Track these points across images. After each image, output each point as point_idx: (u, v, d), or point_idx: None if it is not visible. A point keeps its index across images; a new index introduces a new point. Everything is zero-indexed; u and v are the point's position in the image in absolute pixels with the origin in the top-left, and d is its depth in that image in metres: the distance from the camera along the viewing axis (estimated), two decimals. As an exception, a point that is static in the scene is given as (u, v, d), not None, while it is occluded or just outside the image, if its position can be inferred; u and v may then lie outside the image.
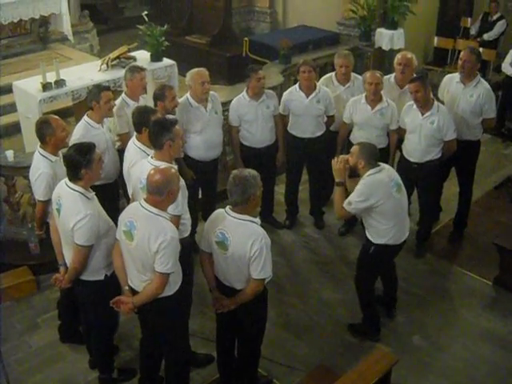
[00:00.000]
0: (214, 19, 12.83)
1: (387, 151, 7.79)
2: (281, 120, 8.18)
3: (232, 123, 7.99)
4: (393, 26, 11.54)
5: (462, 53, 7.77)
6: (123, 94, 7.49)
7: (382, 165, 6.27)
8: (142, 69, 7.54)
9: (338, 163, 6.29)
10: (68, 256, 5.61)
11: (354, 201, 6.17)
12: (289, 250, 8.31)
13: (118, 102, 7.38)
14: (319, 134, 8.15)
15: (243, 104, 7.89)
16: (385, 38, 11.61)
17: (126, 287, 5.31)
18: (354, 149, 6.28)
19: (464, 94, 7.74)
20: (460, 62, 7.71)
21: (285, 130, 8.31)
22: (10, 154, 7.61)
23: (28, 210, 7.91)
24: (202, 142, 7.56)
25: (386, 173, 6.21)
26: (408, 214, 6.53)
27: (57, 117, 6.31)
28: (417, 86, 7.21)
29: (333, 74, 8.46)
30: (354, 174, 6.30)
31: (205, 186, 8.00)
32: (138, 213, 5.08)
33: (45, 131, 6.11)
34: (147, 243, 4.94)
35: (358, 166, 6.18)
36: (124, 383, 6.25)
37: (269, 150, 8.11)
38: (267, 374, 6.29)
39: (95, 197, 5.52)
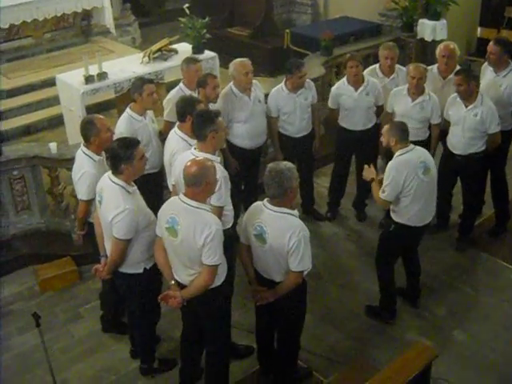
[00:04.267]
0: (256, 11, 12.88)
1: (427, 144, 7.68)
2: (317, 109, 8.23)
3: (271, 114, 7.97)
4: (435, 16, 11.41)
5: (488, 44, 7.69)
6: (181, 84, 7.54)
7: (414, 146, 6.33)
8: (197, 60, 7.66)
9: (366, 171, 6.61)
10: (109, 248, 5.66)
11: (386, 187, 6.29)
12: (330, 242, 8.29)
13: (174, 90, 7.50)
14: (370, 125, 8.13)
15: (282, 96, 7.88)
16: (427, 28, 11.48)
17: (173, 281, 5.32)
18: (384, 129, 6.42)
19: (494, 83, 7.65)
20: (487, 54, 7.63)
21: (335, 124, 8.32)
22: (53, 146, 7.70)
23: (71, 201, 8.02)
24: (247, 130, 7.60)
25: (416, 153, 6.28)
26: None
27: (101, 116, 6.28)
28: (460, 79, 7.15)
29: (377, 65, 8.41)
30: (391, 154, 6.43)
31: (247, 177, 8.02)
32: (178, 208, 5.08)
33: (90, 132, 6.03)
34: (193, 237, 4.95)
35: (391, 144, 6.31)
36: (164, 373, 6.30)
37: (305, 139, 8.11)
38: (307, 365, 6.29)
39: (137, 191, 5.56)
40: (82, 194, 6.12)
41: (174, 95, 7.37)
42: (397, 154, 6.28)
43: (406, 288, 7.11)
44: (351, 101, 7.98)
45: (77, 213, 6.50)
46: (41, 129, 10.54)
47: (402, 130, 6.28)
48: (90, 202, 6.10)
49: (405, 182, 6.21)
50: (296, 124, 7.94)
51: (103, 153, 6.11)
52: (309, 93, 7.96)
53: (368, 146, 8.14)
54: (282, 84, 7.90)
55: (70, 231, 7.80)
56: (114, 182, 5.41)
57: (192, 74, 7.41)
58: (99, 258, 5.88)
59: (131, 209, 5.33)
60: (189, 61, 7.58)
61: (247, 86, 7.51)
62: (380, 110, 8.19)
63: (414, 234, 6.60)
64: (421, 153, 6.33)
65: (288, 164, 5.20)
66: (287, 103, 7.85)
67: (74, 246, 7.70)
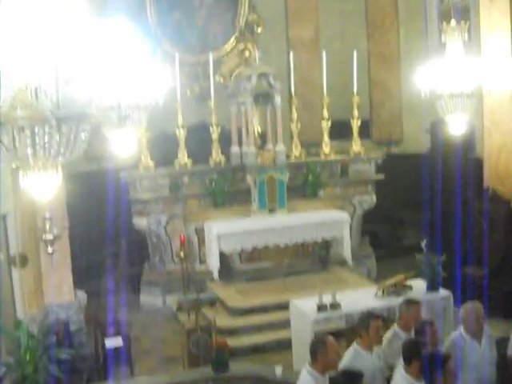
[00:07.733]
0: (494, 251, 12.65)
1: None
2: None
3: None
4: None
5: None
6: (395, 325, 7.48)
7: None
8: (417, 302, 7.60)
9: None
10: None
11: None
12: None
13: (389, 333, 7.40)
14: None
15: None
16: None
17: None
18: None
19: None
20: None
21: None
22: (279, 369, 7.85)
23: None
24: (470, 379, 7.10)
25: None
26: None
27: (333, 339, 6.41)
28: None
29: None
30: None
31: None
32: None
33: (318, 349, 6.21)
34: None
35: None
36: None
37: None
38: None
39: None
40: None
41: (388, 339, 7.30)
42: None
43: None
44: None
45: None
46: (268, 349, 10.74)
47: None
48: None
49: None
50: None
51: (327, 374, 6.20)
52: None
53: None
54: None
55: None
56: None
57: (411, 317, 7.38)
58: None
59: None
60: (408, 302, 7.58)
61: (477, 331, 7.21)
62: None
63: None
64: None
65: None
66: None
67: None
